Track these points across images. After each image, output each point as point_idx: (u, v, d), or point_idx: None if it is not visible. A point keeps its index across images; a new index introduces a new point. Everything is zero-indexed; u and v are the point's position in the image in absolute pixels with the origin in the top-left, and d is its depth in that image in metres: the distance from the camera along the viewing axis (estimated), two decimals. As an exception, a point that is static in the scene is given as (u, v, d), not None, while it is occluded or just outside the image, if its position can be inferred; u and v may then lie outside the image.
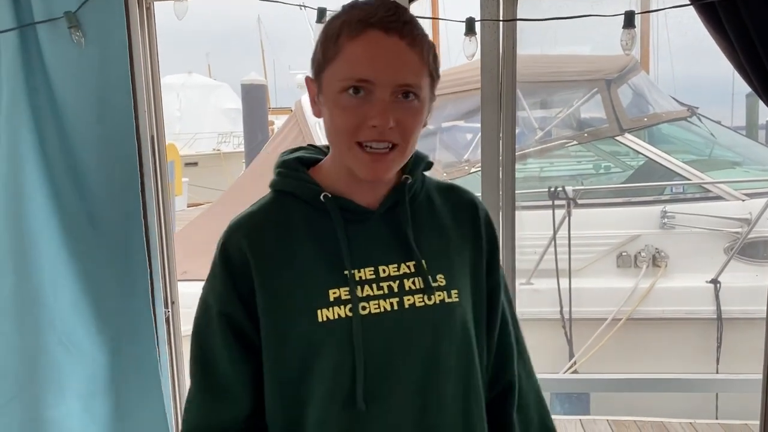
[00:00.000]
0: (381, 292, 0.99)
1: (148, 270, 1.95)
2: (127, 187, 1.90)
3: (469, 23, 1.93)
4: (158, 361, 1.97)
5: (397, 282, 1.00)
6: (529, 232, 4.30)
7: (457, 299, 1.02)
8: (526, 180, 5.49)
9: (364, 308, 0.97)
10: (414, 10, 1.79)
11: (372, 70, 0.93)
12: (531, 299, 4.49)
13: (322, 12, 1.85)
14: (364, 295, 0.98)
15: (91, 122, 1.87)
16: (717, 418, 3.90)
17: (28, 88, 1.84)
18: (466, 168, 5.32)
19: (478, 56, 1.88)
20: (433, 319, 1.00)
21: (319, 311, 0.96)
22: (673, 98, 6.01)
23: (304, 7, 2.47)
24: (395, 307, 0.99)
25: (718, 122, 6.19)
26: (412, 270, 1.01)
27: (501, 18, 1.81)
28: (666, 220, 4.65)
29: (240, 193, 6.09)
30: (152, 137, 2.03)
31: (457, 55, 2.18)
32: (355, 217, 1.02)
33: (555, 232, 4.59)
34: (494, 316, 1.11)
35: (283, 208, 1.04)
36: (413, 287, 1.00)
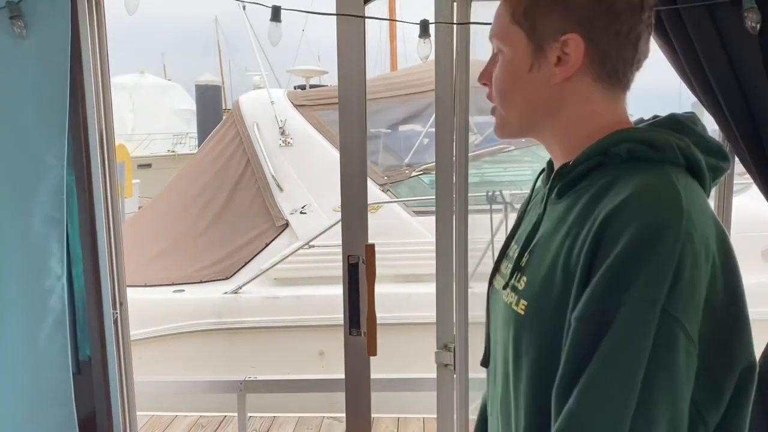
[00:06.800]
0: (507, 271, 0.94)
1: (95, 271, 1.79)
2: (54, 191, 1.70)
3: (424, 25, 1.86)
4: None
5: (509, 267, 0.95)
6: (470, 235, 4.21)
7: (522, 312, 0.85)
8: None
9: (499, 282, 0.97)
10: (370, 10, 1.69)
11: None
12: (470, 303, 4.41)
13: (276, 10, 1.72)
14: (504, 270, 0.97)
15: (25, 116, 1.68)
16: None
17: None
18: (407, 172, 5.21)
19: (432, 57, 1.79)
20: (507, 317, 0.91)
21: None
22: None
23: (245, 3, 2.31)
24: (501, 289, 0.94)
25: None
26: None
27: (455, 21, 1.72)
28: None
29: (171, 197, 5.66)
30: (101, 136, 1.86)
31: (414, 56, 2.09)
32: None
33: (493, 236, 4.51)
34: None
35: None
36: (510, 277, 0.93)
